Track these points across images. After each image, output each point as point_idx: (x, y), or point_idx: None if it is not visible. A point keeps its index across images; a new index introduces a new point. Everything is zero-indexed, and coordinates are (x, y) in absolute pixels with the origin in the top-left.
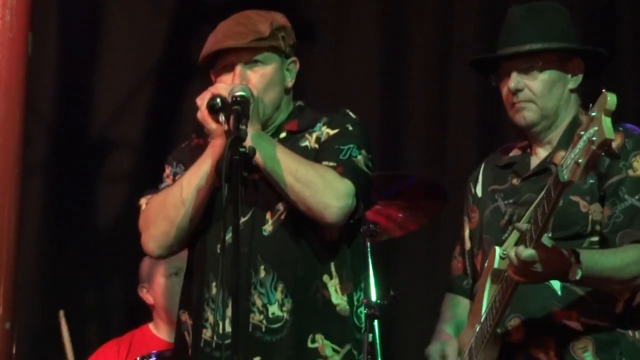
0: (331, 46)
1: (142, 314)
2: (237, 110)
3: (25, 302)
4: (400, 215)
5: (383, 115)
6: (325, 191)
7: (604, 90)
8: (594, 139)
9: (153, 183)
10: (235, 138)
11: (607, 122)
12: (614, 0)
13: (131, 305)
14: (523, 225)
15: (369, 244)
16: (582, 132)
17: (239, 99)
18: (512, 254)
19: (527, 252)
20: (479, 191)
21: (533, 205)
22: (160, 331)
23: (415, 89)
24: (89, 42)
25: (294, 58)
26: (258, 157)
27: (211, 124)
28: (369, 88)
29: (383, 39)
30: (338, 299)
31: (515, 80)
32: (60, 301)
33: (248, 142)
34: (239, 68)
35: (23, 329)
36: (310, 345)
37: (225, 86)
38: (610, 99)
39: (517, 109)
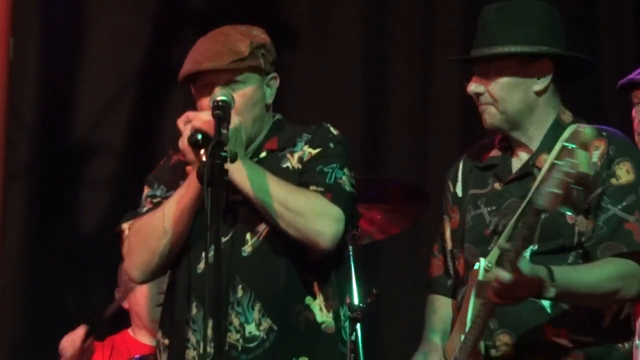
0: (313, 52)
1: (124, 318)
2: (218, 115)
3: (8, 306)
4: (382, 218)
5: (365, 119)
6: (318, 219)
7: (578, 125)
8: (570, 171)
9: (136, 188)
10: (217, 143)
11: (583, 156)
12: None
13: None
14: (504, 244)
15: (350, 247)
16: (557, 162)
17: (220, 103)
18: (492, 276)
19: (507, 276)
20: (459, 191)
21: (514, 218)
22: (138, 335)
23: (396, 93)
24: (71, 47)
25: (274, 74)
26: (245, 187)
27: (191, 156)
28: (351, 92)
29: (365, 44)
30: (323, 317)
31: (473, 85)
32: (43, 306)
33: (231, 174)
34: (216, 90)
35: (5, 333)
36: None
37: (205, 118)
38: (587, 133)
39: (481, 112)
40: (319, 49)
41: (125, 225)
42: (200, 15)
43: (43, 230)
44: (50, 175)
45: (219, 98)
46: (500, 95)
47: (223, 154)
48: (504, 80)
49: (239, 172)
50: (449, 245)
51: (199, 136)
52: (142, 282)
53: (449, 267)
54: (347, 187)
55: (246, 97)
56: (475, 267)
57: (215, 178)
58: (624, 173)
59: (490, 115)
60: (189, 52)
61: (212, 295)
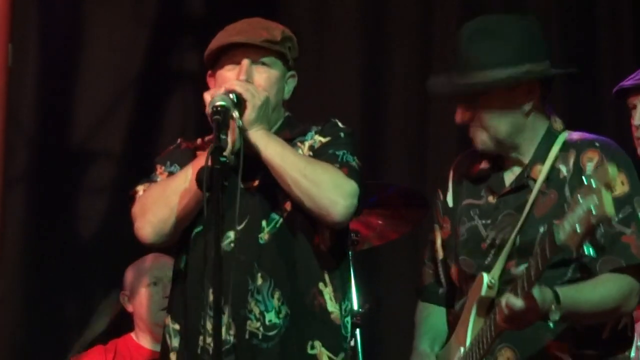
0: (312, 56)
1: (125, 324)
2: (217, 120)
3: (7, 312)
4: (381, 223)
5: (363, 124)
6: (333, 189)
7: (605, 162)
8: (593, 211)
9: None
10: (216, 148)
11: (607, 197)
12: (591, 9)
13: (114, 316)
14: (518, 271)
15: (349, 252)
16: (580, 198)
17: (219, 108)
18: (502, 303)
19: (519, 303)
20: (449, 200)
21: (514, 233)
22: (141, 339)
23: (396, 97)
24: (69, 52)
25: (293, 72)
26: (266, 153)
27: None
28: (350, 97)
29: (364, 48)
30: (332, 306)
31: (459, 116)
32: (43, 313)
33: (255, 140)
34: (245, 62)
35: (5, 339)
36: (309, 351)
37: (237, 82)
38: (612, 172)
39: (471, 135)
40: (317, 54)
41: (140, 187)
42: (199, 21)
43: (42, 236)
44: (49, 181)
45: (218, 103)
46: (490, 124)
47: (223, 159)
48: (493, 109)
49: (261, 140)
50: (440, 254)
51: (232, 95)
52: (152, 244)
53: (439, 275)
54: (358, 169)
55: (271, 80)
56: (483, 281)
57: (214, 183)
58: (618, 184)
59: (482, 141)
60: (217, 34)
61: (217, 290)
